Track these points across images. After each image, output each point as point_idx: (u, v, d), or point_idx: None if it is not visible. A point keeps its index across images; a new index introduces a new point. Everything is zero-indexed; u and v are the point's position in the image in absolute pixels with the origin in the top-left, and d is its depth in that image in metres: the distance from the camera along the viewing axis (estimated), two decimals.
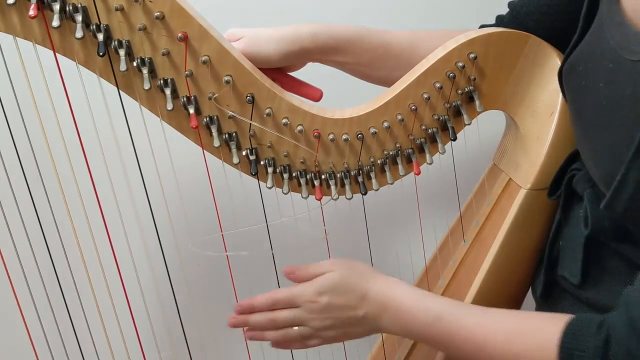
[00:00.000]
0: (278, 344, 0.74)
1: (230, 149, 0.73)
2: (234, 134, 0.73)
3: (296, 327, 0.71)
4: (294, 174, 0.77)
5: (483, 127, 0.81)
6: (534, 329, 0.61)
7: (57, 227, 0.76)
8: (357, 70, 0.82)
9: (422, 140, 0.77)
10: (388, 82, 0.79)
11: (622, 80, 0.56)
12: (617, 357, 0.55)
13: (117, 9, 0.64)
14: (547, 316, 0.62)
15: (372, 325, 0.70)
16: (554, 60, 0.75)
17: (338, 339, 0.72)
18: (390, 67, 0.80)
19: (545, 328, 0.60)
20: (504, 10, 0.80)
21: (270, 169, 0.75)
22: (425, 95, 0.75)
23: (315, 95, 0.81)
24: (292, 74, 0.81)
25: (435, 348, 0.67)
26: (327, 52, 0.78)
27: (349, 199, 0.77)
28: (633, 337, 0.54)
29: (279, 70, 0.79)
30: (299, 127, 0.74)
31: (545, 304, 0.76)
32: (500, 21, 0.80)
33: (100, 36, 0.64)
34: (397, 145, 0.77)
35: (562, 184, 0.72)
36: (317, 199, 0.77)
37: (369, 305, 0.69)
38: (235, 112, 0.72)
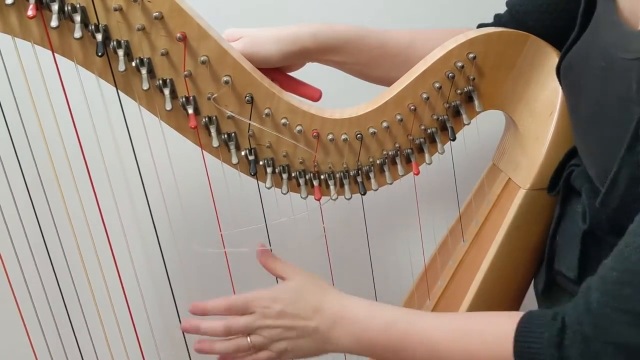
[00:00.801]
0: (226, 357, 0.73)
1: (229, 149, 0.73)
2: (233, 134, 0.73)
3: (249, 338, 0.70)
4: (293, 174, 0.77)
5: (482, 127, 0.81)
6: (489, 325, 0.61)
7: (56, 228, 0.76)
8: (354, 69, 0.82)
9: (422, 140, 0.77)
10: (386, 81, 0.79)
11: (615, 79, 0.56)
12: (573, 344, 0.54)
13: (115, 9, 0.64)
14: (502, 313, 0.62)
15: (323, 339, 0.68)
16: (553, 60, 0.75)
17: (288, 352, 0.70)
18: (388, 66, 0.80)
19: (500, 324, 0.60)
20: (503, 9, 0.80)
21: (269, 169, 0.75)
22: (425, 95, 0.75)
23: (314, 95, 0.80)
24: (291, 74, 0.81)
25: (389, 357, 0.66)
26: (326, 52, 0.78)
27: (348, 199, 0.77)
28: (587, 323, 0.53)
29: (278, 70, 0.79)
30: (298, 127, 0.74)
31: (547, 300, 0.76)
32: (499, 20, 0.80)
33: (99, 36, 0.64)
34: (396, 145, 0.77)
35: (561, 179, 0.72)
36: (316, 199, 0.77)
37: (321, 318, 0.68)
38: (234, 112, 0.72)
